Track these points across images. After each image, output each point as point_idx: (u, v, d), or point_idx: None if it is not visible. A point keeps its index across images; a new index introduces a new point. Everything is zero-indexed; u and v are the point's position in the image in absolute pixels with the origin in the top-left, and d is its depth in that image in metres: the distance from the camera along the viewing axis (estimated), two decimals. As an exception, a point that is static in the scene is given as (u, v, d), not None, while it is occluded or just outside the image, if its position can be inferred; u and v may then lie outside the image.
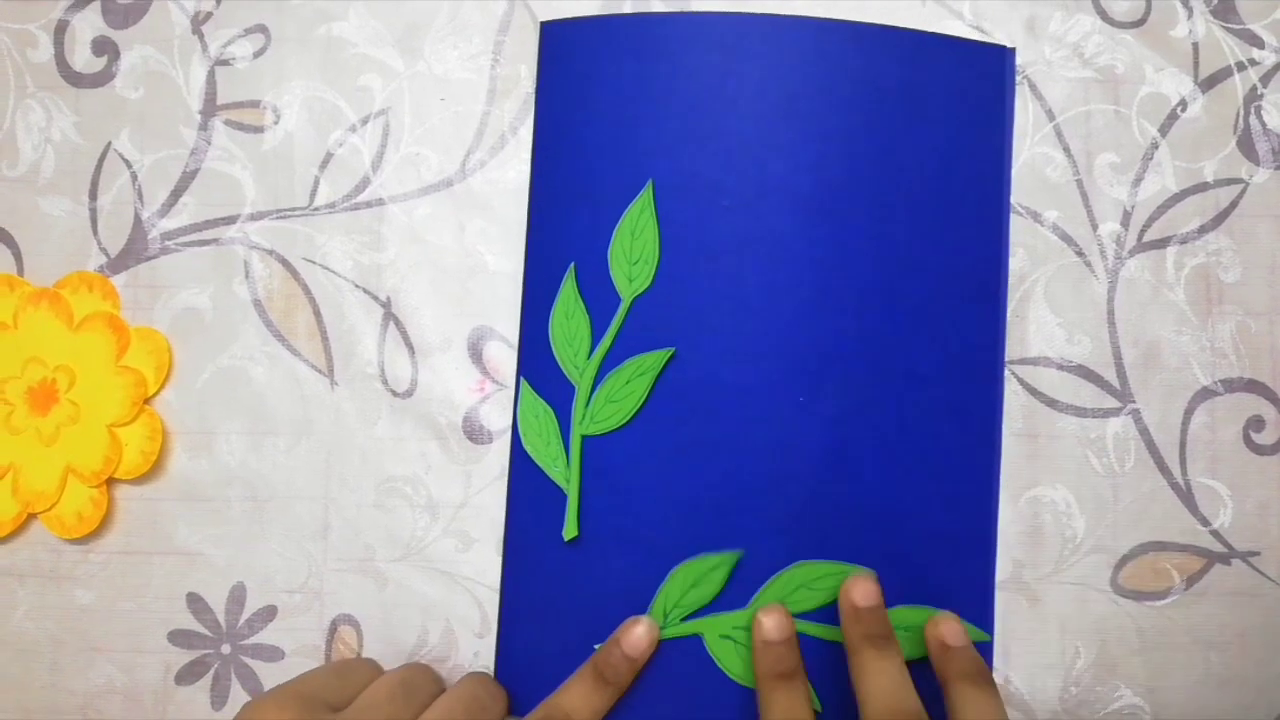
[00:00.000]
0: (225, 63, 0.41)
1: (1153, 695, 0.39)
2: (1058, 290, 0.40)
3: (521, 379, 0.39)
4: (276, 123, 0.41)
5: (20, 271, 0.41)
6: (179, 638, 0.40)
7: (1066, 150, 0.40)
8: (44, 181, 0.41)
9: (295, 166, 0.41)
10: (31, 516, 0.40)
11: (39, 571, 0.40)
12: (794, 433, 0.39)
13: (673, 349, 0.39)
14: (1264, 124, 0.40)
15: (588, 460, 0.39)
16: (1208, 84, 0.40)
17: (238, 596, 0.40)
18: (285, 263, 0.40)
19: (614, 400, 0.39)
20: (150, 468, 0.40)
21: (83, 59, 0.41)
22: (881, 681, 0.34)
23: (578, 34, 0.40)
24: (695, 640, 0.38)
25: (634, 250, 0.39)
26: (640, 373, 0.39)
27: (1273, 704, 0.39)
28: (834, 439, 0.39)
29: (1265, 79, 0.40)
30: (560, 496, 0.39)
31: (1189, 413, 0.40)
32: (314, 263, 0.40)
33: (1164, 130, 0.40)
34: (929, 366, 0.39)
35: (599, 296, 0.39)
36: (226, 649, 0.40)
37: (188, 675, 0.40)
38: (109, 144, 0.41)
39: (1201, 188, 0.40)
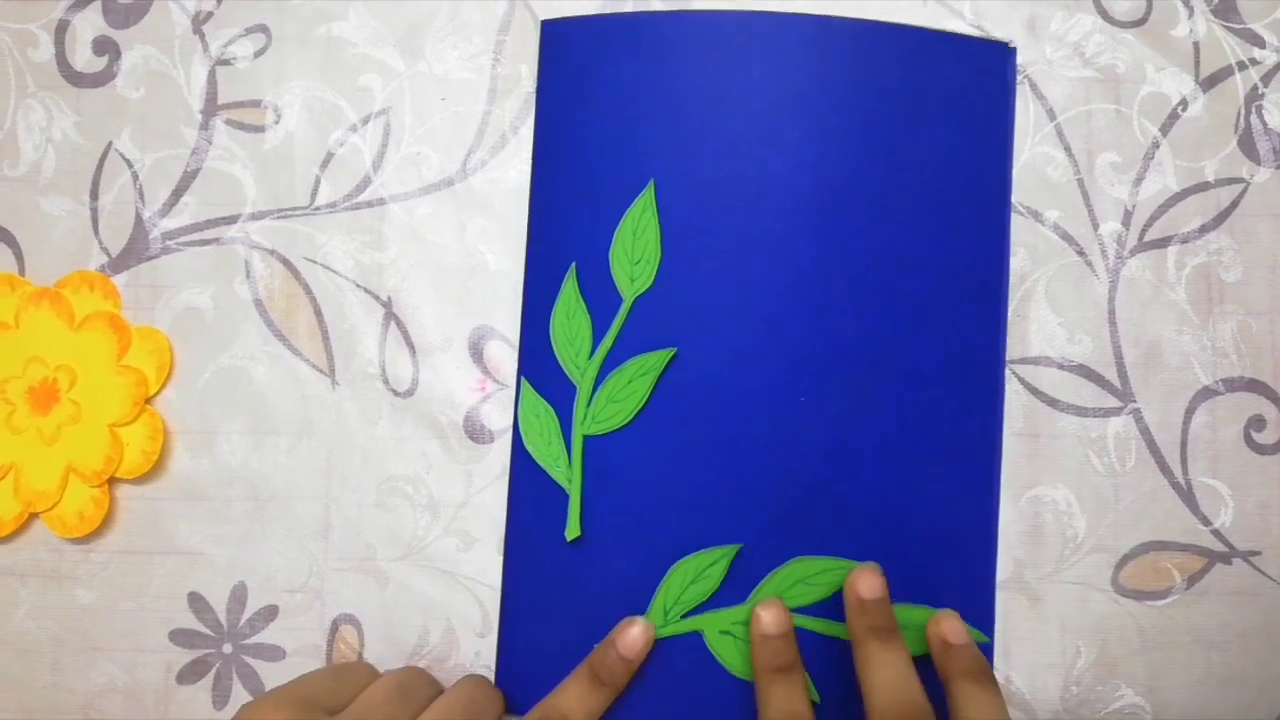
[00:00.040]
0: (226, 62, 0.41)
1: (1154, 695, 0.39)
2: (1059, 290, 0.40)
3: (522, 379, 0.40)
4: (277, 122, 0.41)
5: (21, 271, 0.41)
6: (180, 637, 0.40)
7: (1067, 150, 0.40)
8: (45, 181, 0.41)
9: (296, 166, 0.41)
10: (33, 516, 0.40)
11: (40, 571, 0.40)
12: (796, 432, 0.39)
13: (675, 349, 0.39)
14: (1265, 123, 0.40)
15: (589, 460, 0.39)
16: (1209, 83, 0.40)
17: (239, 596, 0.40)
18: (286, 262, 0.41)
19: (616, 400, 0.39)
20: (151, 467, 0.40)
21: (84, 59, 0.41)
22: (887, 674, 0.34)
23: (578, 33, 0.40)
24: (696, 637, 0.38)
25: (636, 250, 0.39)
26: (642, 373, 0.39)
27: (1274, 703, 0.39)
28: (836, 438, 0.39)
29: (1266, 78, 0.40)
30: (561, 496, 0.39)
31: (1190, 412, 0.40)
32: (315, 262, 0.40)
33: (1165, 130, 0.40)
34: (930, 366, 0.39)
35: (600, 296, 0.39)
36: (228, 648, 0.40)
37: (189, 675, 0.40)
38: (110, 144, 0.41)
39: (1202, 187, 0.40)
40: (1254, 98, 0.40)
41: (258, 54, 0.41)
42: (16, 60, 0.41)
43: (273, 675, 0.39)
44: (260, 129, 0.41)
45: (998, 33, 0.41)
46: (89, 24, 0.41)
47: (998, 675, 0.38)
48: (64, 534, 0.40)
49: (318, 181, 0.41)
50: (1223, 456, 0.39)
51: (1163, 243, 0.40)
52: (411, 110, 0.41)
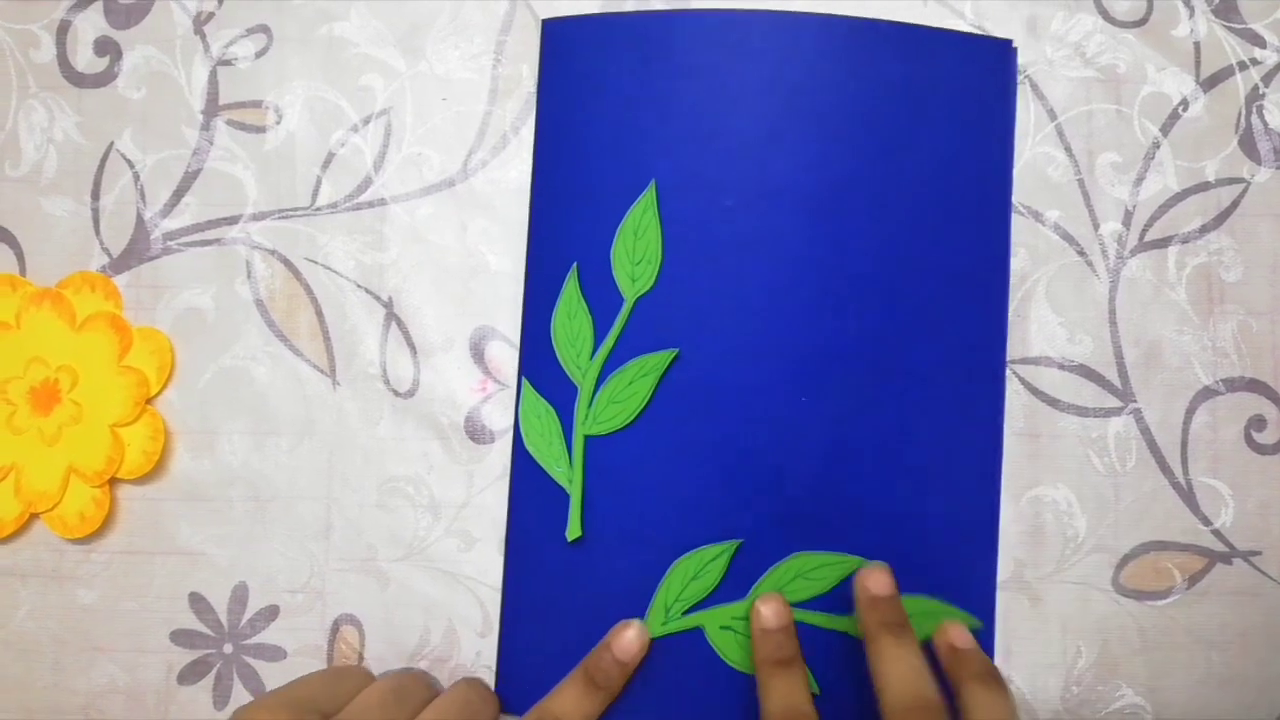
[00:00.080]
0: (227, 63, 0.41)
1: (1154, 695, 0.39)
2: (1059, 290, 0.40)
3: (523, 379, 0.40)
4: (278, 123, 0.41)
5: (23, 271, 0.41)
6: (181, 637, 0.40)
7: (1068, 150, 0.40)
8: (46, 181, 0.41)
9: (297, 166, 0.41)
10: (34, 516, 0.40)
11: (41, 571, 0.40)
12: (797, 432, 0.39)
13: (676, 350, 0.39)
14: (1265, 123, 0.40)
15: (590, 460, 0.39)
16: (1209, 83, 0.40)
17: (240, 596, 0.40)
18: (287, 263, 0.41)
19: (617, 401, 0.39)
20: (152, 468, 0.40)
21: (85, 59, 0.41)
22: (900, 668, 0.34)
23: (579, 33, 0.40)
24: (697, 632, 0.38)
25: (637, 250, 0.39)
26: (644, 373, 0.39)
27: (1274, 703, 0.39)
28: (836, 438, 0.39)
29: (1267, 78, 0.40)
30: (561, 496, 0.39)
31: (1190, 412, 0.40)
32: (316, 263, 0.41)
33: (1165, 130, 0.40)
34: (931, 366, 0.39)
35: (601, 297, 0.39)
36: (229, 649, 0.40)
37: (190, 675, 0.40)
38: (111, 144, 0.41)
39: (1203, 187, 0.40)
40: (1255, 98, 0.40)
41: (259, 54, 0.41)
42: (18, 61, 0.41)
43: (273, 676, 0.39)
44: (261, 129, 0.41)
45: (998, 33, 0.41)
46: (90, 24, 0.41)
47: (998, 675, 0.39)
48: (65, 534, 0.40)
49: (319, 182, 0.41)
50: (1223, 456, 0.39)
51: (1163, 243, 0.40)
52: (413, 110, 0.41)
